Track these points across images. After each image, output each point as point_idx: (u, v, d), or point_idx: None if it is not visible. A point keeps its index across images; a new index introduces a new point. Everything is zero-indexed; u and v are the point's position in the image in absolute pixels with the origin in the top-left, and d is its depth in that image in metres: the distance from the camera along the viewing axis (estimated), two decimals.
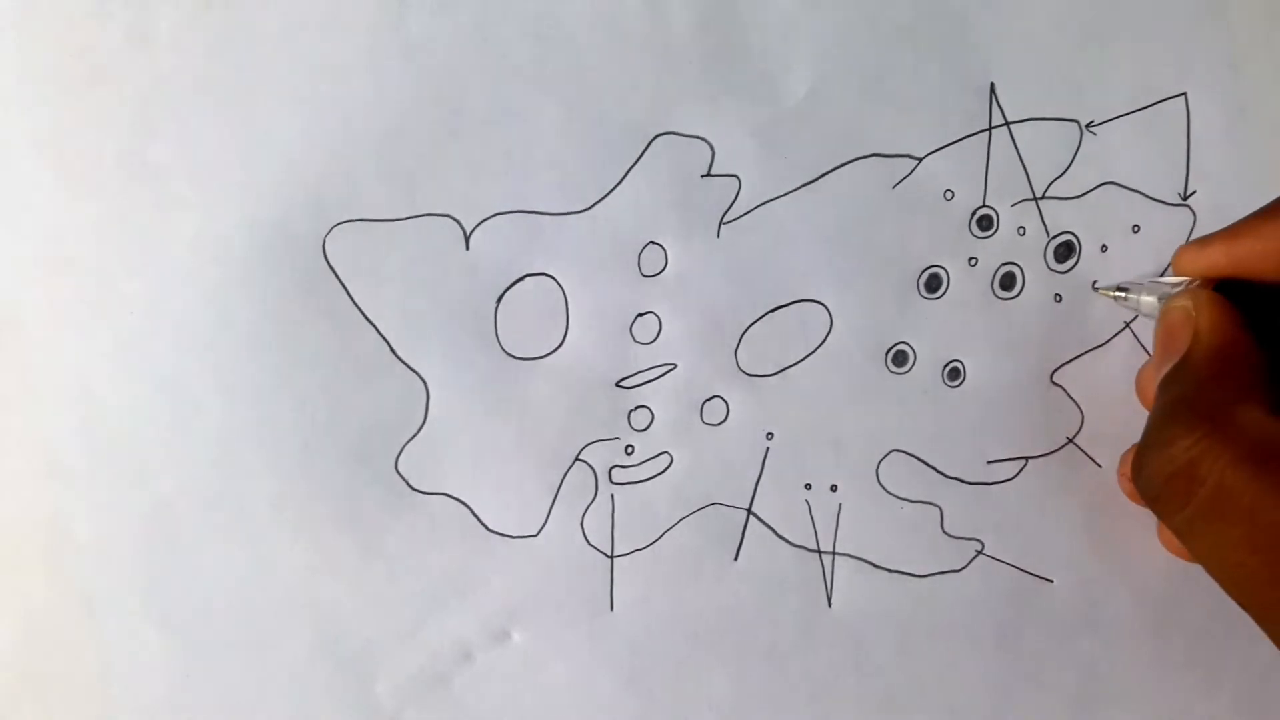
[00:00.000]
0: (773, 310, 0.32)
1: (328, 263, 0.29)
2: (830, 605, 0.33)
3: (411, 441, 0.30)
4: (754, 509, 0.32)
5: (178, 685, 0.30)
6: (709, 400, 0.32)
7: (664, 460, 0.32)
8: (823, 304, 0.32)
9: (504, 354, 0.30)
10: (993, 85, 0.32)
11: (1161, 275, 0.32)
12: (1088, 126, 0.32)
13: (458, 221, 0.30)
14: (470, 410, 0.30)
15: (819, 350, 0.32)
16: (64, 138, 0.28)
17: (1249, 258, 0.28)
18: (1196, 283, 0.29)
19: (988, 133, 0.32)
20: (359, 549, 0.30)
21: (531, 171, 0.30)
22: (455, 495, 0.31)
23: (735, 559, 0.32)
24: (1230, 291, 0.28)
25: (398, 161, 0.29)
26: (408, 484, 0.30)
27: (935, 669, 0.33)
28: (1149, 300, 0.30)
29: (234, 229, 0.29)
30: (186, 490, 0.29)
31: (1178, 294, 0.29)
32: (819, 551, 0.33)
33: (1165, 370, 0.27)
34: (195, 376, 0.29)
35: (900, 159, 0.32)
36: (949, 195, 0.32)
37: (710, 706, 0.32)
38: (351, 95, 0.29)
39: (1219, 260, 0.28)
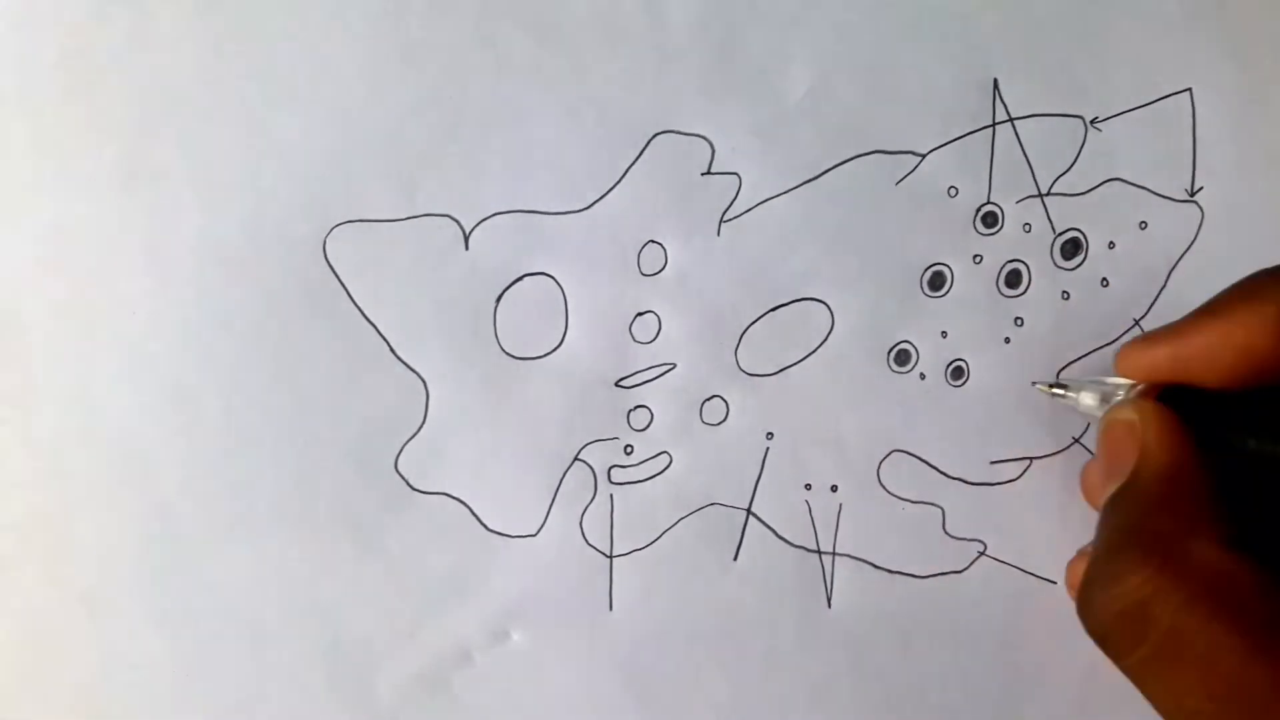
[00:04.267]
0: (773, 309, 0.33)
1: (328, 263, 0.31)
2: (830, 606, 0.34)
3: (411, 441, 0.32)
4: (754, 509, 0.33)
5: (178, 685, 0.31)
6: (709, 400, 0.33)
7: (663, 460, 0.33)
8: (824, 303, 0.33)
9: (503, 354, 0.32)
10: (996, 81, 0.33)
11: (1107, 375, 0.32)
12: (1092, 122, 0.33)
13: (457, 221, 0.31)
14: (470, 410, 0.32)
15: (820, 349, 0.33)
16: (64, 138, 0.30)
17: (1195, 359, 0.27)
18: (1140, 387, 0.29)
19: (991, 129, 0.33)
20: (359, 549, 0.32)
21: (531, 171, 0.31)
22: (455, 495, 0.32)
23: (735, 559, 0.33)
24: (1175, 399, 0.27)
25: (398, 161, 0.31)
26: (407, 484, 0.32)
27: (936, 670, 0.34)
28: (1089, 401, 0.30)
29: (234, 230, 0.30)
30: (186, 490, 0.31)
31: (1121, 403, 0.28)
32: (819, 552, 0.34)
33: (1111, 489, 0.27)
34: (195, 376, 0.31)
35: (903, 155, 0.33)
36: (953, 192, 0.33)
37: (709, 707, 0.33)
38: (351, 95, 0.30)
39: (1163, 362, 0.28)
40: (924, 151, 0.33)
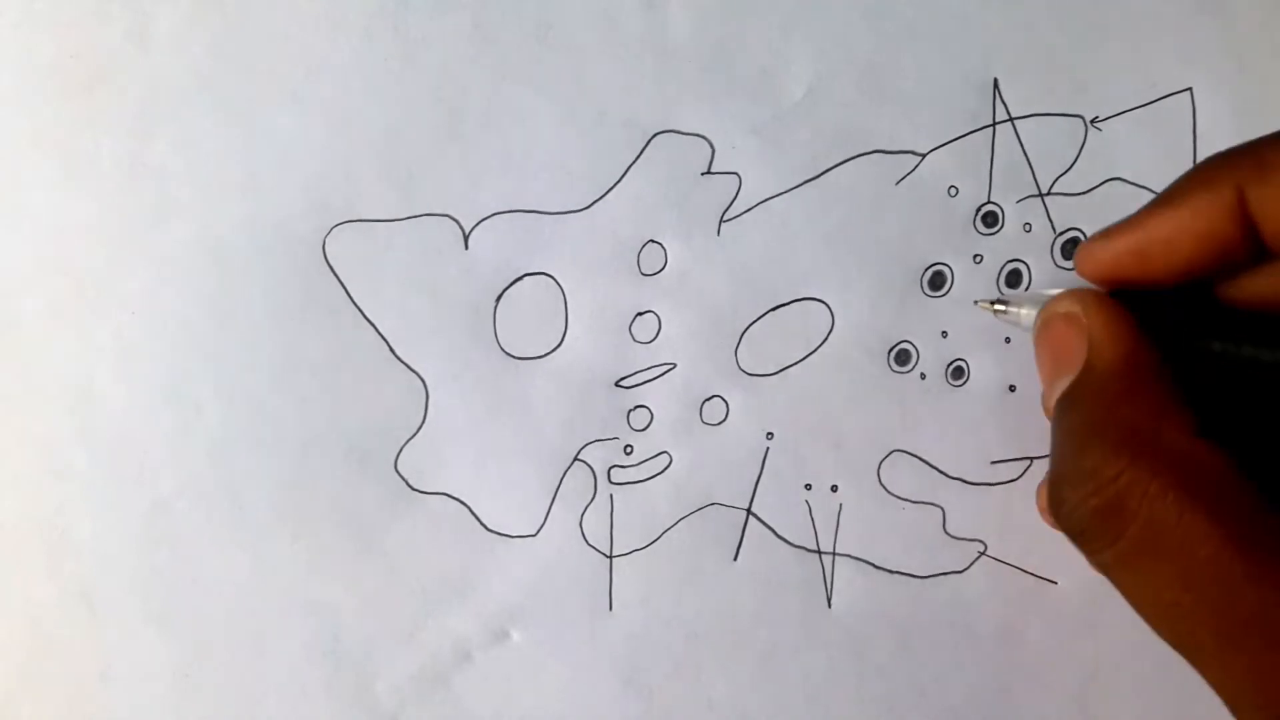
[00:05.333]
0: (774, 309, 0.33)
1: (328, 263, 0.31)
2: (830, 606, 0.34)
3: (411, 441, 0.32)
4: (754, 509, 0.34)
5: (178, 685, 0.32)
6: (709, 400, 0.33)
7: (663, 460, 0.33)
8: (824, 302, 0.33)
9: (503, 354, 0.32)
10: (996, 81, 0.33)
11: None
12: (1093, 122, 0.34)
13: (457, 221, 0.31)
14: (469, 410, 0.32)
15: (820, 349, 0.33)
16: (63, 138, 0.30)
17: (1155, 249, 0.26)
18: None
19: (991, 128, 0.33)
20: (358, 549, 0.32)
21: (530, 171, 0.32)
22: (455, 495, 0.32)
23: (735, 559, 0.34)
24: (1121, 298, 0.27)
25: (397, 161, 0.31)
26: (407, 484, 0.32)
27: (936, 670, 0.34)
28: (1029, 314, 0.29)
29: (234, 229, 0.30)
30: (186, 490, 0.31)
31: (1060, 296, 0.27)
32: (819, 552, 0.34)
33: (1060, 387, 0.26)
34: (195, 376, 0.31)
35: (903, 155, 0.33)
36: (953, 192, 0.33)
37: (709, 707, 0.34)
38: (351, 95, 0.31)
39: (1124, 255, 0.27)
40: (924, 151, 0.33)
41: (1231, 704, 0.22)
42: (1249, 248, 0.26)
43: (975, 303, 0.33)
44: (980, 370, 0.34)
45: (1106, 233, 0.28)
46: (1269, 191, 0.25)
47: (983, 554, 0.35)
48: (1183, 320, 0.26)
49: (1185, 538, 0.22)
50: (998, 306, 0.31)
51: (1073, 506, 0.24)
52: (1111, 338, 0.25)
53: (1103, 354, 0.25)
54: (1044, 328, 0.28)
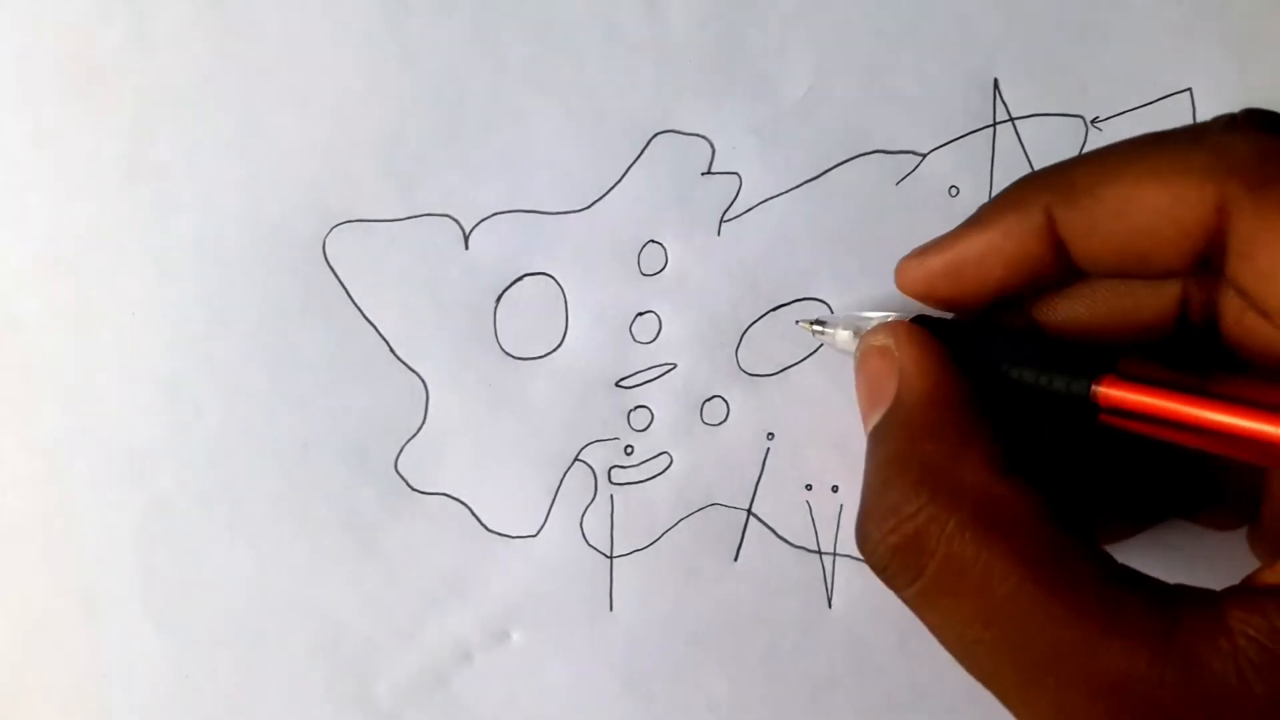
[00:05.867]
0: (774, 309, 0.33)
1: (328, 263, 0.31)
2: (830, 606, 0.34)
3: (411, 441, 0.32)
4: (754, 509, 0.33)
5: (177, 685, 0.32)
6: (709, 400, 0.33)
7: (664, 460, 0.33)
8: (824, 302, 0.33)
9: (503, 354, 0.32)
10: (996, 81, 0.33)
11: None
12: (1093, 122, 0.34)
13: (457, 221, 0.32)
14: (470, 410, 0.32)
15: (821, 349, 0.33)
16: (64, 138, 0.30)
17: (968, 270, 0.27)
18: (893, 317, 0.29)
19: (992, 129, 0.33)
20: (358, 549, 0.32)
21: (530, 171, 0.32)
22: (455, 495, 0.32)
23: (735, 560, 0.33)
24: (932, 327, 0.27)
25: (398, 161, 0.31)
26: (407, 484, 0.32)
27: (936, 670, 0.34)
28: (844, 335, 0.30)
29: (234, 230, 0.31)
30: (186, 490, 0.31)
31: (875, 329, 0.28)
32: (819, 552, 0.34)
33: (874, 419, 0.26)
34: (195, 377, 0.31)
35: (903, 155, 0.33)
36: (954, 192, 0.33)
37: (709, 707, 0.33)
38: (351, 95, 0.31)
39: (937, 274, 0.27)
40: (924, 151, 0.33)
41: None
42: (1060, 267, 0.26)
43: (796, 322, 0.33)
44: None
45: (922, 250, 0.28)
46: (1076, 214, 0.25)
47: None
48: (995, 350, 0.27)
49: (984, 575, 0.22)
50: (815, 327, 0.31)
51: (875, 543, 0.24)
52: (919, 371, 0.26)
53: (911, 387, 0.26)
54: (861, 360, 0.28)
